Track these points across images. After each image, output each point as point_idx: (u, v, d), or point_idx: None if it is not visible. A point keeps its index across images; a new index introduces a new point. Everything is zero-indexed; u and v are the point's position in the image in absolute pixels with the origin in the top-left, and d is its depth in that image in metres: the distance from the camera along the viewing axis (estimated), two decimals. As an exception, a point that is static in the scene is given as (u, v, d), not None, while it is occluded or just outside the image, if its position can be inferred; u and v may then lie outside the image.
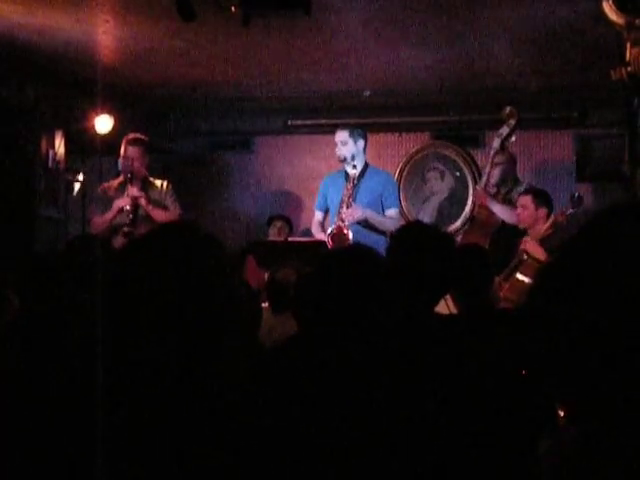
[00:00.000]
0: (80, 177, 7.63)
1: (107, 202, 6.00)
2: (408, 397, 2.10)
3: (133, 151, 5.99)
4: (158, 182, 6.17)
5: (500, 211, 6.21)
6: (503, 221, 6.25)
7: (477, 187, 6.40)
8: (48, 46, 6.12)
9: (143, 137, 6.12)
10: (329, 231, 5.93)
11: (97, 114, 7.20)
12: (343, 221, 5.82)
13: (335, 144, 6.02)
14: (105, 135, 7.27)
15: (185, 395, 1.54)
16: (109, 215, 5.89)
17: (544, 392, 2.21)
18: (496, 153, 6.42)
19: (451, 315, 3.50)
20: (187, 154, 8.96)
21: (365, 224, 5.85)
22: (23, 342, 2.68)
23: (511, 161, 6.64)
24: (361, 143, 5.99)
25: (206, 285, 1.57)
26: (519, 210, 5.68)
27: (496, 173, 6.41)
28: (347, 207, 5.84)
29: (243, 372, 2.06)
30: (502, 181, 6.41)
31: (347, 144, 5.95)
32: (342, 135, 5.98)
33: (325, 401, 2.00)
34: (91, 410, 1.47)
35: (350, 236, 5.76)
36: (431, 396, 2.20)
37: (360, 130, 6.04)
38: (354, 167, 5.92)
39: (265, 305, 4.23)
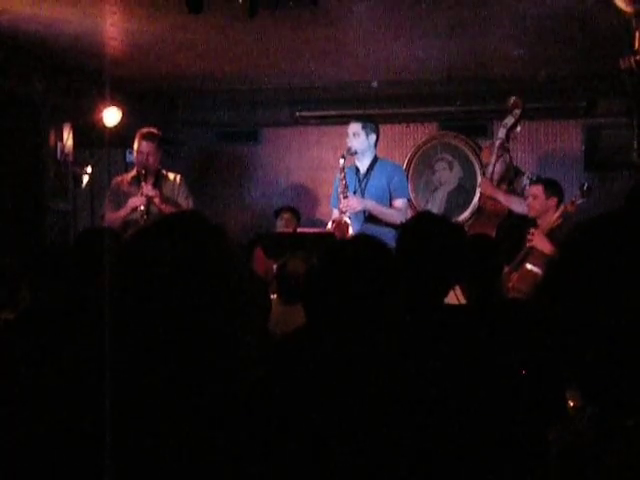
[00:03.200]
0: (88, 170, 7.64)
1: (120, 196, 5.96)
2: (416, 387, 2.11)
3: (147, 146, 5.92)
4: (171, 176, 6.11)
5: (507, 201, 6.23)
6: (510, 211, 6.25)
7: (482, 178, 6.39)
8: (56, 39, 6.13)
9: (156, 131, 6.07)
10: (329, 224, 5.96)
11: (105, 106, 7.21)
12: (343, 212, 5.84)
13: (346, 135, 6.01)
14: (113, 128, 7.28)
15: (194, 386, 1.54)
16: (123, 213, 5.84)
17: (554, 381, 2.21)
18: (502, 143, 6.41)
19: (460, 305, 3.50)
20: (195, 146, 8.97)
21: (371, 217, 5.85)
22: (34, 333, 2.69)
23: (508, 152, 6.66)
24: (373, 137, 5.98)
25: (213, 276, 1.57)
26: (529, 200, 5.67)
27: (499, 165, 6.41)
28: (344, 198, 5.86)
29: (252, 363, 2.07)
30: (506, 172, 6.42)
31: (359, 136, 5.93)
32: (355, 127, 5.96)
33: (333, 392, 2.01)
34: (100, 402, 1.47)
35: (349, 225, 5.79)
36: (440, 386, 2.21)
37: (373, 125, 6.02)
38: (343, 158, 5.92)
39: (274, 296, 4.24)
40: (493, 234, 5.96)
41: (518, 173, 6.53)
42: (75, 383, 1.59)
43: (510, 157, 6.73)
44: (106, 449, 1.46)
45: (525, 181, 6.41)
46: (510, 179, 6.45)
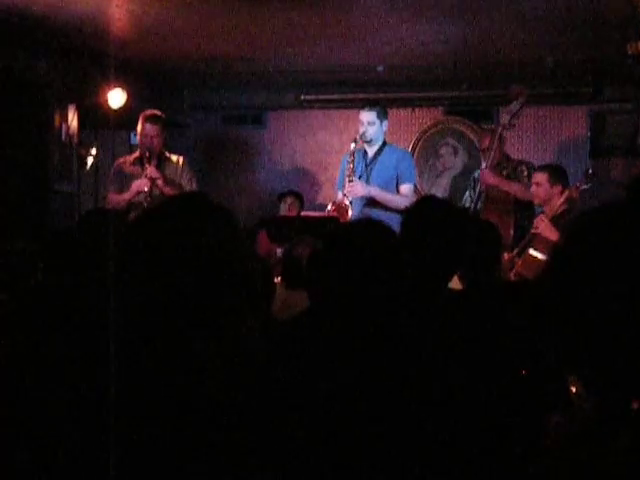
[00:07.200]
0: (93, 151, 7.64)
1: (123, 178, 5.96)
2: (418, 371, 2.11)
3: (152, 129, 5.90)
4: (174, 157, 6.09)
5: (510, 188, 6.22)
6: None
7: (482, 168, 6.36)
8: (61, 19, 6.10)
9: (160, 113, 6.04)
10: (329, 206, 5.95)
11: (110, 88, 7.20)
12: (345, 195, 5.84)
13: (360, 122, 5.97)
14: (118, 109, 7.27)
15: (197, 368, 1.55)
16: (127, 196, 5.83)
17: (555, 367, 2.22)
18: (504, 128, 6.39)
19: (459, 291, 3.50)
20: (200, 129, 8.96)
21: (370, 201, 5.84)
22: (39, 313, 2.70)
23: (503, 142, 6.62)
24: (385, 124, 5.98)
25: (218, 257, 1.57)
26: (534, 187, 5.66)
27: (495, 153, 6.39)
28: (349, 182, 5.85)
29: (256, 346, 2.07)
30: (500, 159, 6.44)
31: (374, 125, 5.90)
32: (370, 116, 5.90)
33: (336, 376, 2.01)
34: (105, 380, 1.48)
35: (349, 209, 5.78)
36: (440, 370, 2.21)
37: (384, 111, 6.00)
38: (355, 142, 5.91)
39: (278, 280, 4.23)
40: (510, 220, 5.98)
41: (509, 160, 6.52)
42: (78, 362, 1.60)
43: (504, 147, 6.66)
44: (110, 426, 1.47)
45: (522, 168, 6.41)
46: (504, 165, 6.45)
